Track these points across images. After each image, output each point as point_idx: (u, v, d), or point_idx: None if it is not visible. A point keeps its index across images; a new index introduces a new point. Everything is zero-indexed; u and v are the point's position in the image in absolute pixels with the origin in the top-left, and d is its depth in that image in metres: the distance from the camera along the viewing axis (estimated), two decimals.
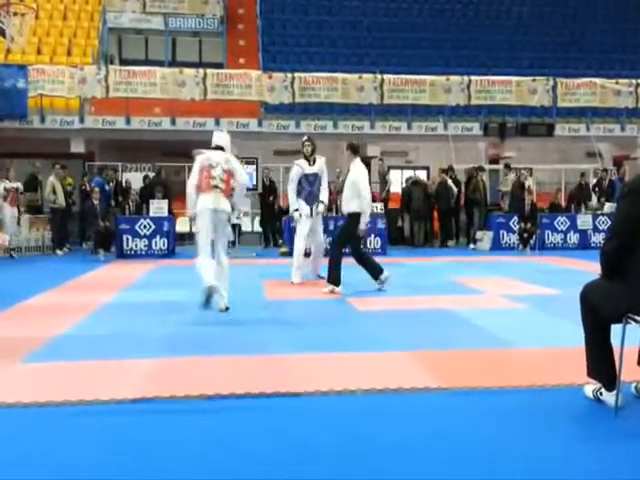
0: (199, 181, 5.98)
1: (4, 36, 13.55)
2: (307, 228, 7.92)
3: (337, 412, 3.27)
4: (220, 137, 6.33)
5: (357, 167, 7.14)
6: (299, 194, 7.95)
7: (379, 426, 3.07)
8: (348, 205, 7.12)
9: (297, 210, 7.97)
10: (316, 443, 2.88)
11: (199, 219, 5.92)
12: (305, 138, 8.17)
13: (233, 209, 6.26)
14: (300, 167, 7.97)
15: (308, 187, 7.94)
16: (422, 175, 16.66)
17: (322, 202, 8.04)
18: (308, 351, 4.48)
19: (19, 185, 12.09)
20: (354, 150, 7.20)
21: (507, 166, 14.79)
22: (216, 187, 5.91)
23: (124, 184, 14.12)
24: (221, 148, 6.19)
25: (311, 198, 7.94)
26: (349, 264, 9.99)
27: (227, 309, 5.97)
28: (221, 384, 3.68)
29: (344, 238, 7.27)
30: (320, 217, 8.12)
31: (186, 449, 2.79)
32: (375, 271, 7.24)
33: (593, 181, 15.77)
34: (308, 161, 7.98)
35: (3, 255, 11.58)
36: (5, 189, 11.63)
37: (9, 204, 11.69)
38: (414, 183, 14.54)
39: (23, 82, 14.33)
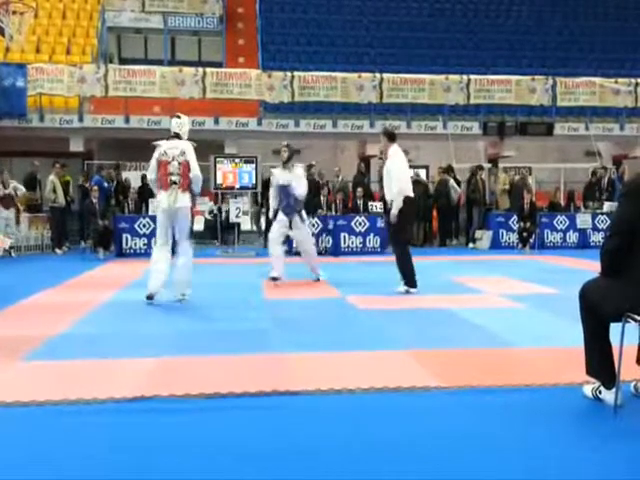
0: (158, 176, 6.33)
1: (3, 35, 13.55)
2: (278, 234, 7.69)
3: (336, 411, 3.27)
4: (175, 124, 6.48)
5: (394, 154, 6.91)
6: (279, 204, 7.72)
7: (378, 425, 3.07)
8: (387, 194, 7.01)
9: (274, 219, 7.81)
10: (315, 442, 2.88)
11: (157, 215, 6.49)
12: (284, 143, 7.84)
13: (194, 201, 6.59)
14: (275, 177, 7.76)
15: (285, 199, 7.61)
16: (421, 174, 16.65)
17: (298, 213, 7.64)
18: (307, 350, 4.48)
19: (12, 190, 11.99)
20: (391, 137, 6.98)
21: (495, 165, 14.77)
22: (174, 183, 6.25)
23: (124, 182, 14.12)
24: (177, 135, 6.38)
25: (289, 210, 7.64)
26: (345, 262, 9.98)
27: (183, 296, 6.33)
28: (220, 383, 3.67)
29: (398, 232, 6.97)
30: (303, 226, 7.77)
31: (185, 448, 2.79)
32: (408, 278, 7.01)
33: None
34: (284, 169, 7.66)
35: (3, 254, 11.57)
36: None
37: (3, 207, 11.67)
38: (415, 182, 14.50)
39: (22, 81, 14.31)
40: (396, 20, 19.73)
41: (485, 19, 20.31)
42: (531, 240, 12.68)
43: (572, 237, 13.54)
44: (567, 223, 13.54)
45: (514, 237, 13.10)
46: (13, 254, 11.78)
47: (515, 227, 13.04)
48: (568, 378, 3.68)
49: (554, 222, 13.51)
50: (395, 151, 6.96)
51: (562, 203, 14.73)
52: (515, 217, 13.04)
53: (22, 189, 12.37)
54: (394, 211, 6.76)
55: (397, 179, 6.77)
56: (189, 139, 6.56)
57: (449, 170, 14.28)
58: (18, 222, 12.24)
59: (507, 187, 14.16)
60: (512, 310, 6.09)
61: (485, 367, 4.05)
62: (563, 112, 16.54)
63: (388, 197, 7.03)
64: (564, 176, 16.62)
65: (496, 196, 14.47)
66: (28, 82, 14.40)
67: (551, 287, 7.42)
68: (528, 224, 12.58)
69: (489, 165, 15.55)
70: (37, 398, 3.41)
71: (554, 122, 16.44)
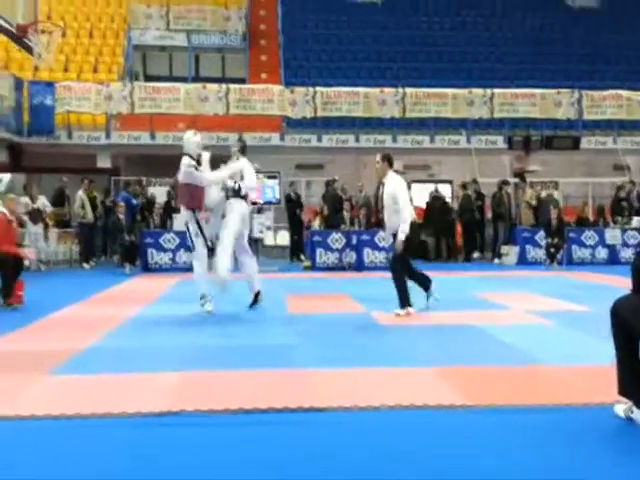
0: None
1: (32, 54, 13.88)
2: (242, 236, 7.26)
3: (361, 428, 3.24)
4: (183, 142, 6.84)
5: (394, 179, 6.86)
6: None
7: (404, 443, 3.03)
8: (392, 220, 6.71)
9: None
10: (339, 458, 2.85)
11: None
12: (234, 143, 8.14)
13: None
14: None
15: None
16: (446, 189, 16.57)
17: None
18: (332, 366, 4.46)
19: (41, 205, 12.28)
20: (391, 162, 6.96)
21: (523, 179, 14.57)
22: None
23: (149, 198, 14.29)
24: (188, 154, 6.69)
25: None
26: (369, 278, 9.89)
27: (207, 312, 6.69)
28: (245, 398, 3.67)
29: (399, 255, 6.80)
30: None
31: (211, 463, 2.78)
32: (424, 284, 7.02)
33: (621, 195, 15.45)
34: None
35: (36, 268, 11.75)
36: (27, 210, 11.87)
37: (32, 222, 11.96)
38: (434, 198, 14.46)
39: (51, 99, 14.67)
40: (418, 34, 19.79)
41: (508, 32, 20.25)
42: (559, 256, 12.48)
43: (601, 253, 13.29)
44: (596, 239, 13.30)
45: (541, 253, 12.91)
46: (42, 268, 11.99)
47: (542, 242, 12.86)
48: (599, 398, 3.60)
49: (582, 237, 13.29)
50: (392, 176, 6.89)
51: (590, 218, 14.50)
52: (542, 232, 12.87)
53: (49, 206, 12.63)
54: (402, 237, 6.49)
55: (407, 206, 6.62)
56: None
57: (465, 186, 14.17)
58: (46, 237, 12.48)
59: (534, 202, 13.99)
60: (540, 327, 5.99)
61: (513, 385, 3.98)
62: (590, 126, 16.34)
63: (392, 225, 6.71)
64: (592, 190, 16.38)
65: (519, 211, 14.32)
66: (56, 100, 14.74)
67: (580, 304, 7.28)
68: (556, 239, 12.39)
69: (516, 179, 15.41)
70: (66, 411, 3.44)
71: (580, 136, 16.25)
